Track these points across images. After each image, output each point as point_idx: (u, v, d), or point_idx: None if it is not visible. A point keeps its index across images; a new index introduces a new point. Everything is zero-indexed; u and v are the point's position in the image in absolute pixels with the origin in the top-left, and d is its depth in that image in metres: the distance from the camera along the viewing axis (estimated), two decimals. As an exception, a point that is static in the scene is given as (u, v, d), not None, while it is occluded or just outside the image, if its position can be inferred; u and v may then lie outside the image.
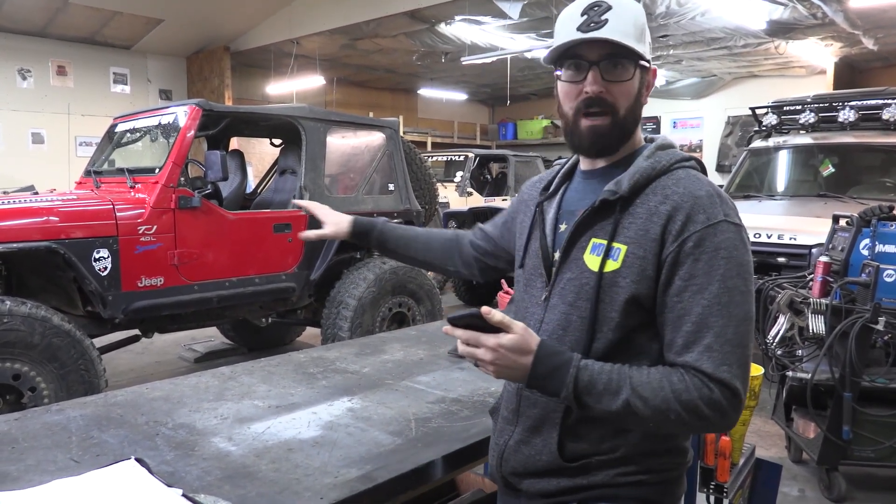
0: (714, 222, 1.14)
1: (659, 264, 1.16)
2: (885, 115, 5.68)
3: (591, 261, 1.20)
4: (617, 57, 1.20)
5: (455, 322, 1.10)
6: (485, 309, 1.08)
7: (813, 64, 11.13)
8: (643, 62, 1.22)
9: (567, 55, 1.23)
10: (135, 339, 4.40)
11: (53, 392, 3.40)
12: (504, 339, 1.08)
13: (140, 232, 3.92)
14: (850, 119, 5.78)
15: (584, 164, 1.33)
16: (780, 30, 8.83)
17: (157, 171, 4.13)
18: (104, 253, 3.77)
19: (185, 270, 4.13)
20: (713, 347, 1.10)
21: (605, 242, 1.19)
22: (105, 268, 3.78)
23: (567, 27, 1.22)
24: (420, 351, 2.26)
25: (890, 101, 5.68)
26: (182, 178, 4.16)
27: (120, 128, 4.89)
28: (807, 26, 8.68)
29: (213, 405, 1.72)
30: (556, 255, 1.27)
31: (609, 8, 1.19)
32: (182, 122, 4.23)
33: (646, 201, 1.19)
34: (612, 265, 1.18)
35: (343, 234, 1.69)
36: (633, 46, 1.18)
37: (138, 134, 4.79)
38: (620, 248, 1.18)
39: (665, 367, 1.15)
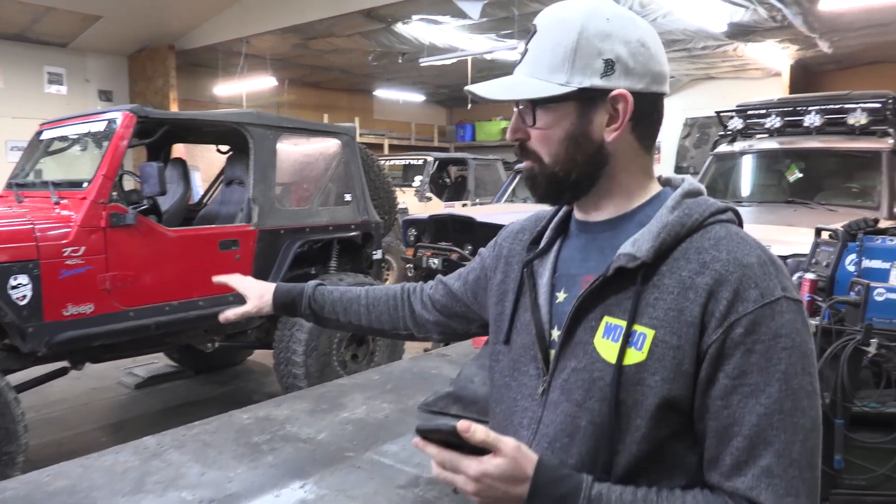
0: (770, 300, 0.85)
1: (699, 356, 0.87)
2: (851, 119, 5.61)
3: (606, 347, 0.91)
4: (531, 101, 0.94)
5: (426, 435, 0.81)
6: (462, 424, 0.78)
7: (769, 66, 11.18)
8: (594, 91, 0.93)
9: None
10: (63, 371, 3.97)
11: (-38, 442, 2.98)
12: (490, 464, 0.80)
13: (65, 254, 3.50)
14: (816, 123, 5.71)
15: (581, 213, 1.04)
16: (740, 32, 8.80)
17: (85, 184, 3.71)
18: (23, 279, 3.34)
19: (118, 295, 3.72)
20: (774, 472, 0.83)
21: (623, 324, 0.90)
22: (24, 296, 3.35)
23: None
24: (385, 404, 1.95)
25: (855, 106, 5.62)
26: (114, 193, 3.74)
27: (46, 135, 4.44)
28: (766, 29, 8.68)
29: (130, 501, 1.38)
30: (555, 334, 0.98)
31: (534, 33, 0.95)
32: (114, 131, 3.82)
33: (676, 269, 0.90)
34: (635, 356, 0.89)
35: (267, 309, 1.41)
36: (522, 94, 0.94)
37: (67, 143, 4.35)
38: (646, 334, 0.89)
39: (706, 494, 0.87)
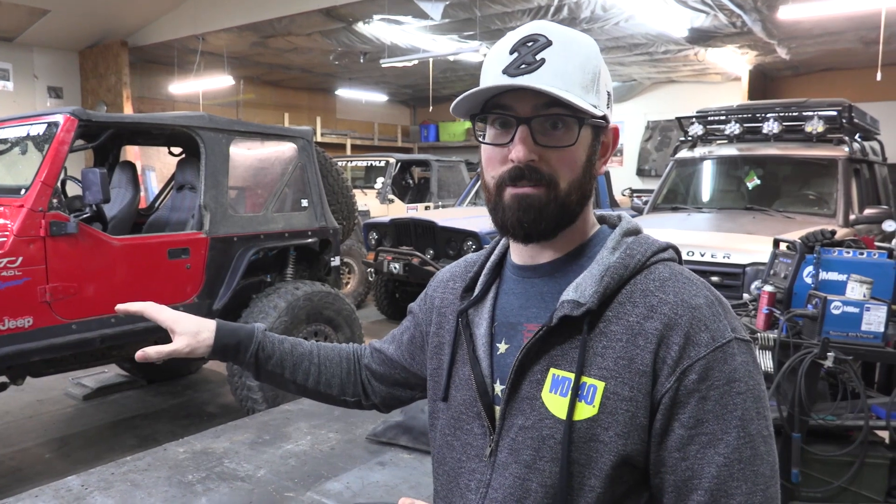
0: (722, 343, 0.83)
1: (652, 406, 0.83)
2: (808, 127, 5.69)
3: (554, 402, 0.85)
4: (555, 111, 0.86)
5: None
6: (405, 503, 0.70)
7: (728, 71, 11.35)
8: (596, 119, 0.89)
9: (489, 107, 0.88)
10: (1, 387, 3.77)
11: None
12: None
13: (1, 266, 3.31)
14: (775, 131, 5.77)
15: (519, 256, 0.97)
16: (700, 37, 8.89)
17: (23, 191, 3.52)
18: (-47, 292, 3.15)
19: (59, 308, 3.54)
20: None
21: (571, 376, 0.85)
22: (-45, 310, 3.16)
23: (492, 70, 0.88)
24: (332, 434, 1.85)
25: (812, 114, 5.69)
26: (55, 200, 3.56)
27: (-18, 138, 4.21)
28: (725, 35, 8.78)
29: (42, 558, 1.26)
30: (499, 388, 0.92)
31: (548, 44, 0.85)
32: (54, 135, 3.63)
33: (622, 314, 0.86)
34: (586, 410, 0.83)
35: (203, 351, 1.14)
36: (574, 101, 0.84)
37: (6, 145, 4.13)
38: (596, 386, 0.84)
39: None
